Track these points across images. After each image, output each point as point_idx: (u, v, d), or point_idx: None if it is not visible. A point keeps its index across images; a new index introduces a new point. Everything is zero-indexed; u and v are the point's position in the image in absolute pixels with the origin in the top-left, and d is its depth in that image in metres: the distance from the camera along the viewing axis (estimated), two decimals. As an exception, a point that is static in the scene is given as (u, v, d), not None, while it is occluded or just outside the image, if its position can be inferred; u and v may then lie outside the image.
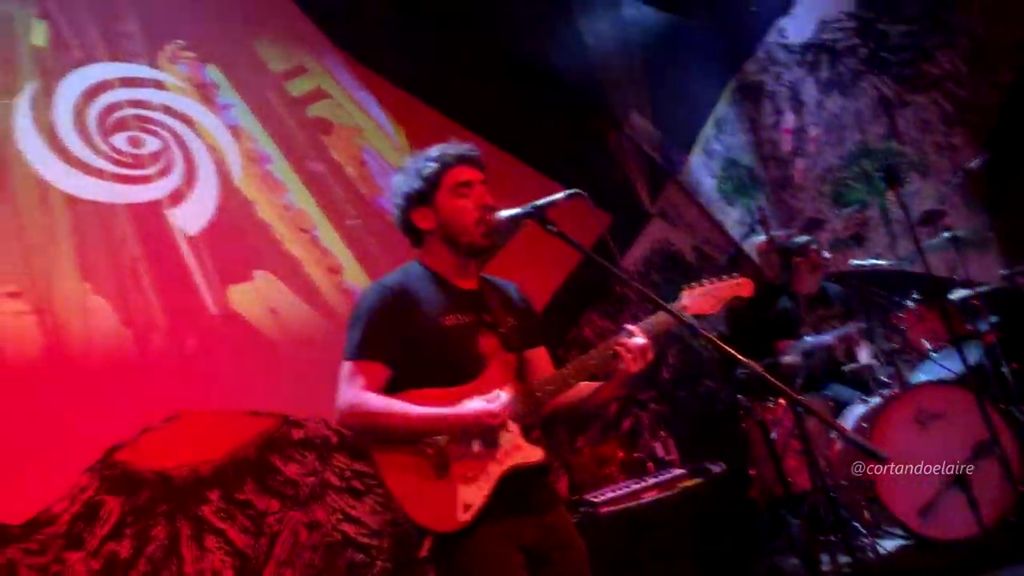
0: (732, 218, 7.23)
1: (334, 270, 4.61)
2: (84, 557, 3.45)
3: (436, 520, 2.38)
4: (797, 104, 7.43)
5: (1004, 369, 5.01)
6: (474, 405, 2.43)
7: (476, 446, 2.43)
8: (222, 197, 4.33)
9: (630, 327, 2.51)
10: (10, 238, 3.73)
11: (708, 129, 7.40)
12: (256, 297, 4.26)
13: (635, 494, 3.87)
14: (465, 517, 2.38)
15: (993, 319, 5.03)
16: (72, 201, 3.90)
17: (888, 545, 4.62)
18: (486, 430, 2.42)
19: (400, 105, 5.17)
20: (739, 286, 2.71)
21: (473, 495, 2.40)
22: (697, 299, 2.65)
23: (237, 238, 4.34)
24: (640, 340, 2.47)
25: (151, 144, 4.18)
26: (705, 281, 2.69)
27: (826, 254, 5.75)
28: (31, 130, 3.89)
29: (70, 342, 3.69)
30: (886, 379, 5.14)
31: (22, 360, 3.62)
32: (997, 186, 6.25)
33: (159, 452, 3.72)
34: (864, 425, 4.70)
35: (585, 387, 2.61)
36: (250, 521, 3.87)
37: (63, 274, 3.78)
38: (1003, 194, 6.23)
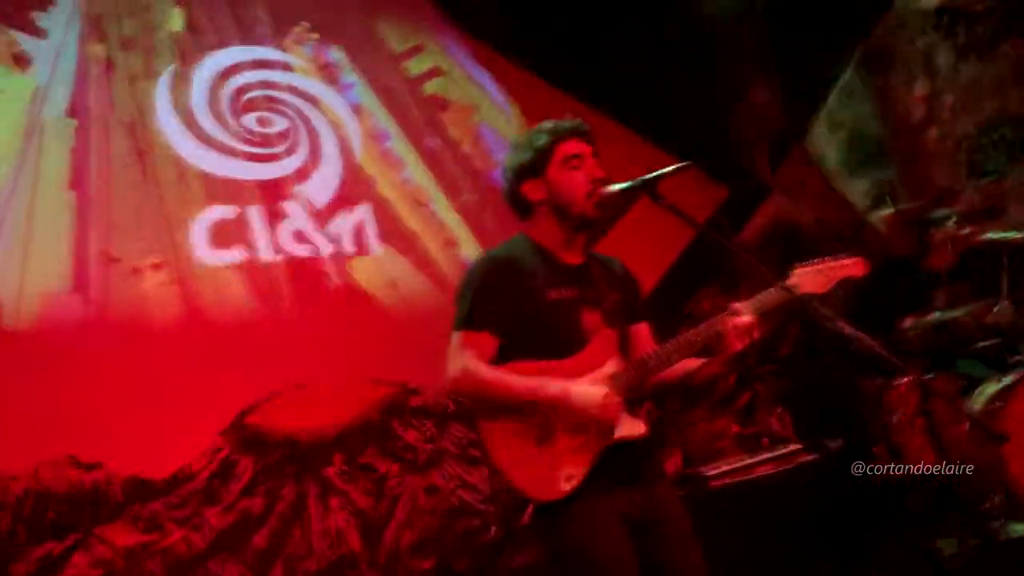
0: (858, 190, 6.99)
1: (450, 243, 4.73)
2: (220, 512, 3.69)
3: (538, 489, 2.42)
4: (930, 71, 7.10)
5: None
6: (584, 391, 2.43)
7: (588, 423, 2.45)
8: (345, 173, 4.49)
9: (736, 305, 2.50)
10: (154, 212, 3.99)
11: (834, 98, 7.16)
12: (376, 270, 4.41)
13: (748, 468, 3.84)
14: (566, 487, 2.41)
15: None
16: (206, 177, 4.14)
17: (1020, 528, 4.43)
18: (593, 417, 2.42)
19: (515, 80, 5.22)
20: (852, 266, 2.65)
21: (575, 466, 2.43)
22: (806, 277, 2.60)
23: (359, 213, 4.50)
24: (746, 318, 2.45)
25: (279, 123, 4.38)
26: (816, 260, 2.65)
27: (964, 229, 5.51)
28: (169, 110, 4.15)
29: (206, 311, 3.92)
30: (1022, 357, 4.92)
31: (166, 328, 3.89)
32: None
33: (287, 416, 3.92)
34: (998, 404, 4.51)
35: (690, 363, 2.61)
36: (372, 484, 4.04)
37: (199, 247, 4.02)
38: None
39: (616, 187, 2.60)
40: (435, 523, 4.13)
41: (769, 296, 2.53)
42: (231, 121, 4.25)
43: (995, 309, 4.99)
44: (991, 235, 5.73)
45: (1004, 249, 5.36)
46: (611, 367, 2.53)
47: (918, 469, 4.54)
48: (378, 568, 3.94)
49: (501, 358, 2.53)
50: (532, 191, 2.65)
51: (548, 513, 2.45)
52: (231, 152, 4.22)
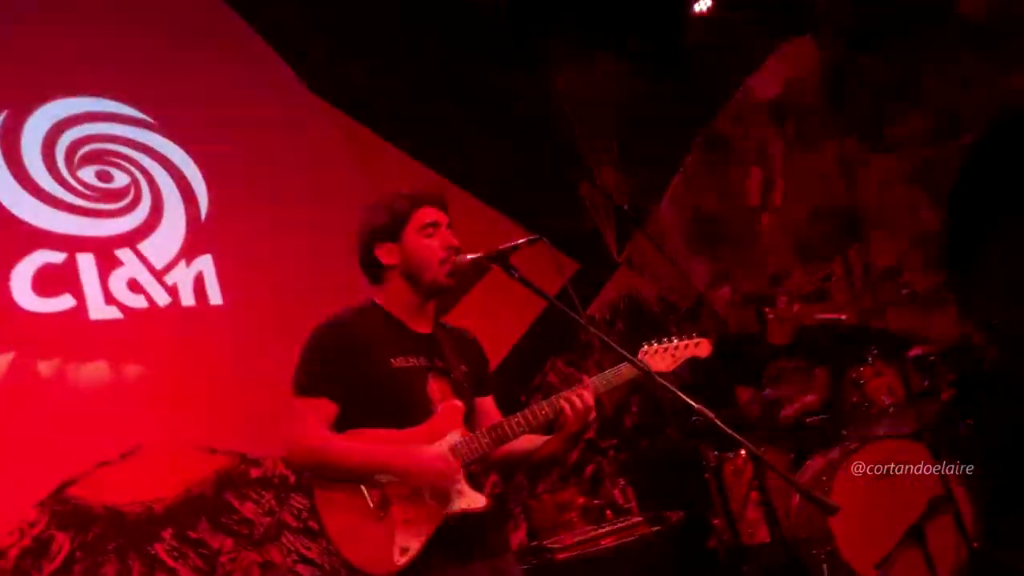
0: (698, 269, 7.31)
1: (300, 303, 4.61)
2: (31, 594, 3.38)
3: (371, 563, 2.35)
4: (764, 160, 7.57)
5: (959, 425, 5.08)
6: (429, 450, 2.40)
7: (425, 493, 2.41)
8: (189, 226, 4.32)
9: (579, 387, 2.52)
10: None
11: (677, 181, 7.52)
12: (217, 326, 4.24)
13: (592, 541, 3.86)
14: (402, 561, 2.34)
15: (949, 377, 5.11)
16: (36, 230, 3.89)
17: (845, 599, 4.63)
18: (437, 478, 2.38)
19: (367, 146, 5.20)
20: (697, 346, 2.78)
21: (411, 539, 2.37)
22: (654, 356, 2.72)
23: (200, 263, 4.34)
24: (585, 399, 2.48)
25: (120, 178, 4.18)
26: (665, 339, 2.75)
27: (795, 308, 5.84)
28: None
29: (25, 365, 3.65)
30: (845, 432, 5.20)
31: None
32: (956, 245, 6.38)
33: (112, 487, 3.67)
34: (823, 478, 4.73)
35: (531, 439, 2.61)
36: (203, 560, 3.81)
37: (21, 292, 3.76)
38: (962, 253, 6.36)
39: (470, 257, 2.61)
40: (270, 601, 3.94)
41: (617, 373, 2.58)
42: (67, 175, 4.02)
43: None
44: (818, 316, 6.09)
45: (821, 329, 5.72)
46: (455, 437, 2.50)
47: (753, 540, 4.69)
48: (207, 652, 3.70)
49: (343, 426, 2.47)
50: (386, 255, 2.63)
51: None
52: (66, 207, 3.97)
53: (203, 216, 4.38)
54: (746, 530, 4.90)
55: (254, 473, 4.09)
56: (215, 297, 4.26)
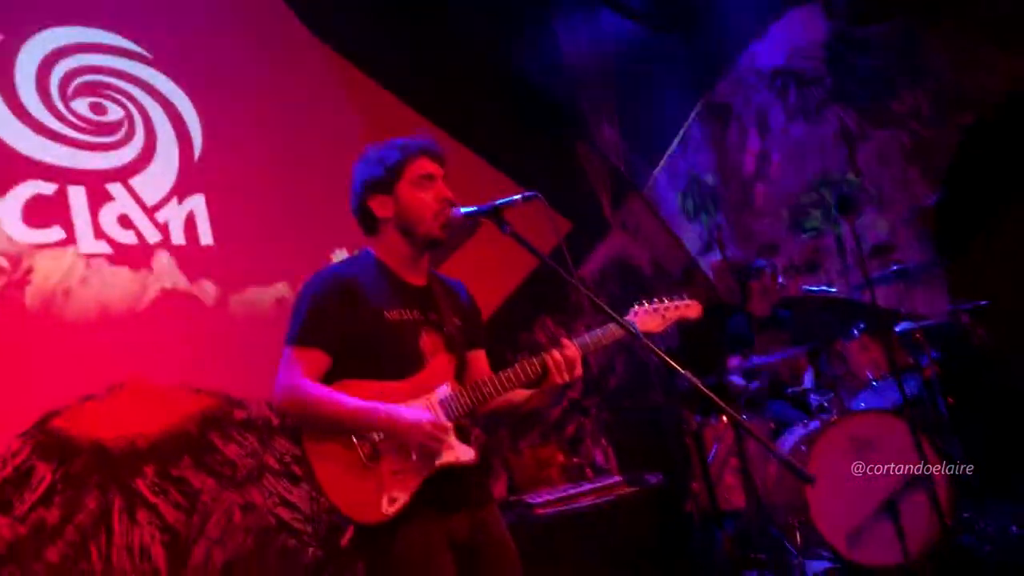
0: (691, 234, 7.32)
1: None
2: (11, 522, 3.39)
3: (360, 511, 2.38)
4: (763, 128, 7.54)
5: (940, 403, 5.13)
6: (414, 412, 2.42)
7: (413, 453, 2.44)
8: (182, 165, 4.28)
9: (565, 340, 2.55)
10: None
11: (675, 146, 7.49)
12: (207, 267, 4.22)
13: (571, 498, 3.90)
14: (390, 510, 2.38)
15: (934, 354, 5.15)
16: (26, 159, 3.84)
17: (816, 567, 4.71)
18: (422, 439, 2.40)
19: (367, 94, 5.15)
20: (687, 307, 2.80)
21: (400, 489, 2.40)
22: (644, 316, 2.73)
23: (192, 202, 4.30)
24: (569, 352, 2.51)
25: (113, 112, 4.12)
26: (656, 300, 2.76)
27: (780, 279, 5.86)
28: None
29: (14, 295, 3.63)
30: (826, 404, 5.25)
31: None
32: (948, 224, 6.40)
33: (97, 422, 3.67)
34: (802, 448, 4.78)
35: (519, 394, 2.64)
36: (184, 498, 3.83)
37: (10, 223, 3.72)
38: (954, 233, 6.38)
39: (464, 210, 2.61)
40: (250, 541, 3.96)
41: (604, 333, 2.60)
42: (60, 106, 3.96)
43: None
44: (806, 287, 6.11)
45: (809, 301, 5.75)
46: (445, 391, 2.52)
47: (729, 506, 4.74)
48: (184, 588, 3.73)
49: (335, 376, 2.49)
50: (379, 207, 2.63)
51: (370, 535, 2.41)
52: (58, 138, 3.92)
53: (196, 155, 4.33)
54: (723, 495, 4.97)
55: (238, 415, 4.10)
56: (206, 237, 4.23)
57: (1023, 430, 5.35)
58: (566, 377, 2.51)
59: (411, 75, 5.38)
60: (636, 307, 2.75)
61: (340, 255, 4.68)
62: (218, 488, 3.95)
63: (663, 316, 2.75)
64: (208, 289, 4.18)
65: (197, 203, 4.26)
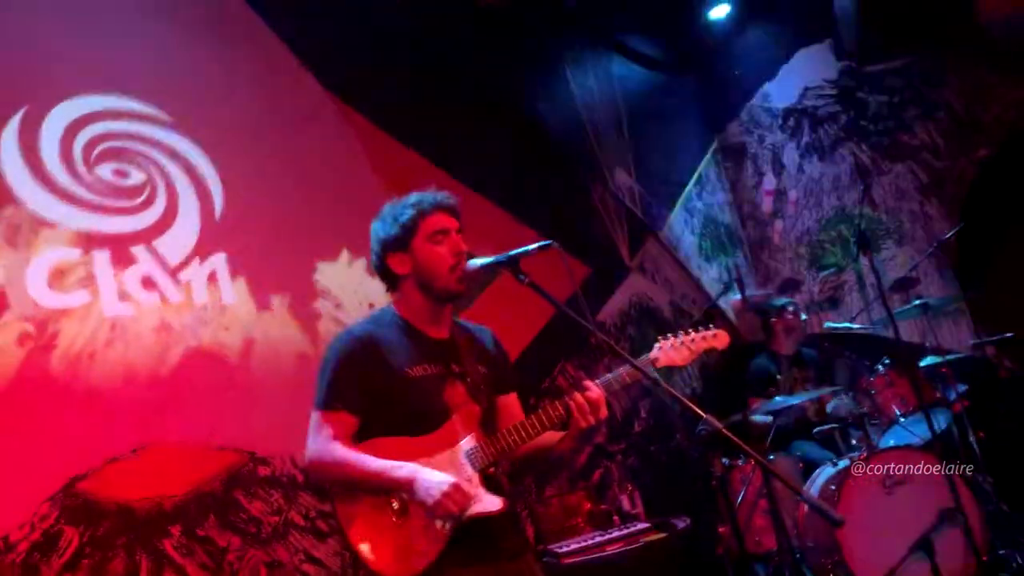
0: (710, 275, 7.31)
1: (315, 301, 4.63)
2: (40, 587, 3.40)
3: (393, 568, 2.40)
4: (778, 167, 7.56)
5: (971, 437, 5.06)
6: (433, 476, 2.40)
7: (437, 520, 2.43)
8: (204, 225, 4.34)
9: (587, 382, 2.55)
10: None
11: (690, 187, 7.52)
12: (229, 324, 4.25)
13: (599, 546, 3.86)
14: (420, 565, 2.39)
15: (961, 387, 5.09)
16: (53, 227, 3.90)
17: (851, 609, 4.61)
18: (437, 505, 2.39)
19: (382, 148, 5.21)
20: (714, 338, 2.75)
21: (429, 545, 2.41)
22: (670, 351, 2.68)
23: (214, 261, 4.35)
24: (592, 395, 2.51)
25: (135, 176, 4.19)
26: (680, 332, 2.73)
27: (803, 316, 5.83)
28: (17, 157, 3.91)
29: (39, 360, 3.67)
30: (855, 442, 5.19)
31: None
32: (969, 257, 6.36)
33: (123, 483, 3.68)
34: (832, 488, 4.72)
35: (547, 438, 2.64)
36: (210, 557, 3.82)
37: (35, 287, 3.77)
38: (975, 265, 6.34)
39: (479, 262, 2.63)
40: (276, 600, 3.95)
41: (622, 372, 2.59)
42: (84, 171, 4.04)
43: (831, 402, 5.29)
44: (829, 324, 6.08)
45: (832, 338, 5.71)
46: (470, 443, 2.52)
47: (760, 548, 4.67)
48: (212, 648, 3.71)
49: (365, 434, 2.53)
50: (398, 264, 2.67)
51: None
52: (83, 204, 3.99)
53: (218, 215, 4.39)
54: (753, 538, 4.90)
55: (262, 471, 4.10)
56: (228, 296, 4.27)
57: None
58: (591, 420, 2.50)
59: (423, 125, 5.44)
60: (661, 340, 2.70)
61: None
62: (243, 546, 3.94)
63: (689, 349, 2.70)
64: (230, 346, 4.21)
65: (219, 262, 4.31)
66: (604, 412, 2.52)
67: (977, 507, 4.54)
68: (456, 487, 2.40)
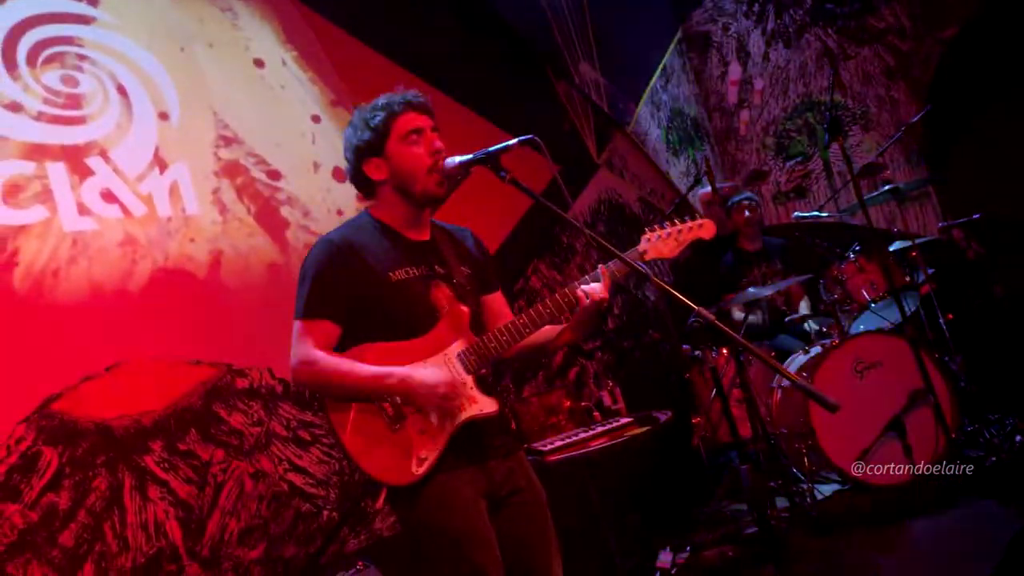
0: (678, 169, 7.26)
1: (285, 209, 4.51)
2: (22, 509, 3.35)
3: (391, 474, 2.40)
4: (743, 55, 7.45)
5: (940, 320, 5.14)
6: (427, 373, 2.40)
7: (433, 416, 2.42)
8: (161, 135, 4.16)
9: (598, 270, 2.52)
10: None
11: (656, 79, 7.39)
12: (195, 236, 4.13)
13: (583, 442, 3.89)
14: (420, 470, 2.40)
15: (930, 271, 5.15)
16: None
17: (825, 490, 4.75)
18: (437, 402, 2.41)
19: (346, 50, 5.02)
20: (700, 228, 2.71)
21: (427, 449, 2.42)
22: (657, 243, 2.65)
23: (175, 171, 4.19)
24: (594, 288, 2.49)
25: (86, 83, 3.99)
26: (667, 223, 2.69)
27: (747, 213, 5.83)
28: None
29: (4, 288, 3.54)
30: (826, 330, 5.26)
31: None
32: (936, 140, 6.36)
33: (99, 402, 3.61)
34: (804, 375, 4.80)
35: (545, 333, 2.62)
36: (194, 471, 3.80)
37: None
38: (942, 148, 6.35)
39: (458, 160, 2.56)
40: (264, 509, 3.95)
41: (617, 265, 2.55)
42: (31, 80, 3.82)
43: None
44: (797, 214, 6.09)
45: (801, 227, 5.73)
46: (461, 345, 2.49)
47: (736, 437, 4.75)
48: (201, 560, 3.72)
49: (351, 341, 2.48)
50: (374, 170, 2.59)
51: (404, 496, 2.43)
52: (33, 115, 3.78)
53: (174, 122, 4.21)
54: (729, 427, 4.98)
55: (240, 384, 4.06)
56: (192, 207, 4.14)
57: (1022, 342, 5.39)
58: (597, 307, 2.49)
59: (386, 27, 5.24)
60: (648, 233, 2.67)
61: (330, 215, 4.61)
62: (227, 458, 3.92)
63: (676, 240, 2.67)
64: (198, 259, 4.10)
65: (179, 171, 4.15)
66: (607, 298, 2.51)
67: (947, 387, 4.65)
68: (449, 383, 2.41)
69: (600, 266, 2.53)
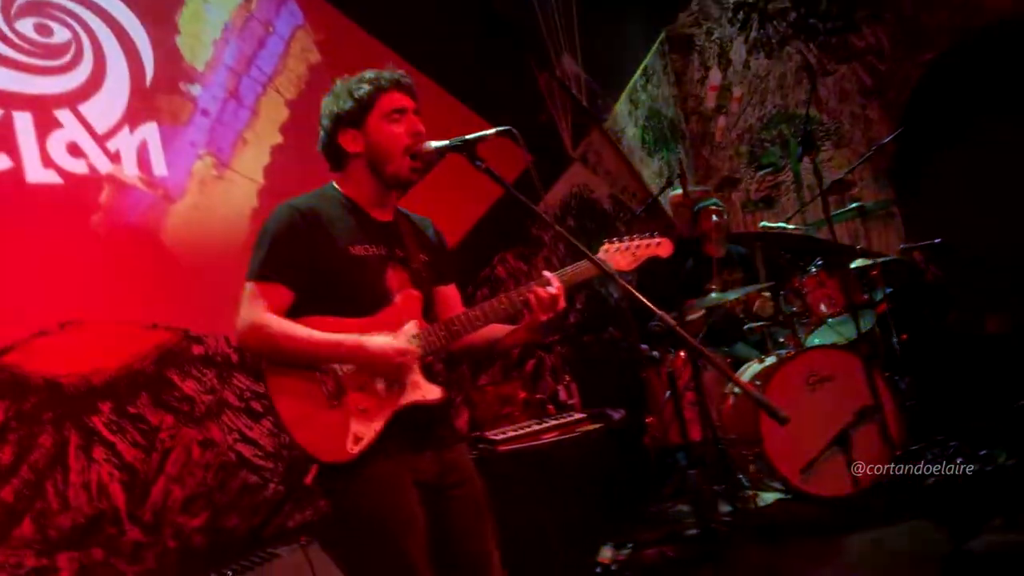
0: (651, 170, 7.29)
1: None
2: (-38, 462, 3.30)
3: (324, 450, 2.36)
4: (724, 62, 7.49)
5: (893, 339, 5.23)
6: (381, 340, 2.40)
7: (379, 383, 2.41)
8: (133, 91, 4.10)
9: (547, 274, 2.52)
10: None
11: (636, 77, 7.41)
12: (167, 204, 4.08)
13: (535, 434, 3.91)
14: (354, 450, 2.36)
15: (888, 290, 5.24)
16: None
17: (768, 498, 4.83)
18: (391, 368, 2.39)
19: (332, 26, 4.97)
20: (658, 245, 2.77)
21: (365, 428, 2.38)
22: (615, 255, 2.71)
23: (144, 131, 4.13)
24: (553, 289, 2.49)
25: (60, 34, 3.91)
26: (626, 238, 2.74)
27: (714, 218, 5.86)
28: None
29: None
30: (782, 340, 5.33)
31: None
32: (905, 162, 6.46)
33: (50, 358, 3.55)
34: (757, 383, 4.86)
35: (495, 329, 2.62)
36: (142, 435, 3.76)
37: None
38: (911, 170, 6.45)
39: (435, 145, 2.54)
40: (210, 478, 3.93)
41: (579, 268, 2.57)
42: (3, 25, 3.73)
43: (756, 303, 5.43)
44: (764, 224, 6.15)
45: (766, 237, 5.78)
46: (412, 329, 2.48)
47: (687, 439, 4.82)
48: (142, 525, 3.68)
49: (298, 312, 2.43)
50: (349, 142, 2.56)
51: (334, 474, 2.39)
52: (2, 62, 3.69)
53: (148, 81, 4.15)
54: (679, 429, 5.04)
55: (196, 350, 4.01)
56: (159, 167, 4.08)
57: (971, 367, 5.49)
58: (549, 314, 2.49)
59: (374, 6, 5.19)
60: (607, 244, 2.72)
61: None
62: (176, 425, 3.88)
63: (633, 254, 2.73)
64: (162, 220, 4.05)
65: (149, 131, 4.09)
66: (562, 304, 2.51)
67: (894, 405, 4.73)
68: (403, 350, 2.39)
69: (545, 273, 2.53)
